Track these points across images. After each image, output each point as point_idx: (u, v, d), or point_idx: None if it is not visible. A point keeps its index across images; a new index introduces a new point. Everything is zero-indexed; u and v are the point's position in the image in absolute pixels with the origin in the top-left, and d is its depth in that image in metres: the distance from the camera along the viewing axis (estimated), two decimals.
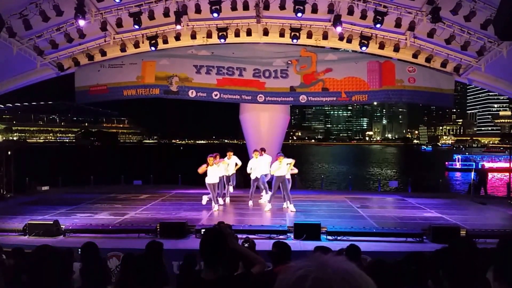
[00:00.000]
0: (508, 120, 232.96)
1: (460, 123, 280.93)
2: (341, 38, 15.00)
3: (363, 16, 13.36)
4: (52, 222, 9.87)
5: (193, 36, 15.30)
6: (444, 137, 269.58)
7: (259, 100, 16.35)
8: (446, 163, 51.16)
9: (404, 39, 14.91)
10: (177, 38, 15.40)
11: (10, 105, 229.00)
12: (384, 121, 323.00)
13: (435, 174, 46.87)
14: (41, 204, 13.65)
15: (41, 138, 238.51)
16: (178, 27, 14.33)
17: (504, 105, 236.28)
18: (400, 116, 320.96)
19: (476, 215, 12.79)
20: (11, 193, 15.59)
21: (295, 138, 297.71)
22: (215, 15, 13.44)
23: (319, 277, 0.89)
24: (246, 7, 13.54)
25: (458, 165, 48.69)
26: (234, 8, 13.58)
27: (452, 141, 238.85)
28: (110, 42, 15.39)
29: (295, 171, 13.58)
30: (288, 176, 12.89)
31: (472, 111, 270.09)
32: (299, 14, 13.24)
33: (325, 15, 13.95)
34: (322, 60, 16.30)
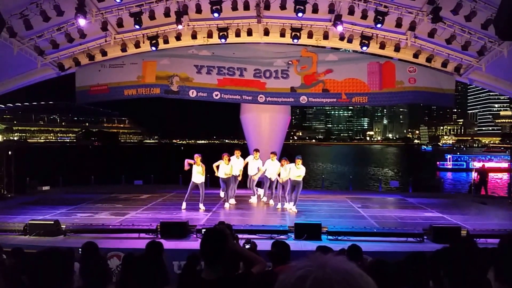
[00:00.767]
0: (509, 120, 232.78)
1: (461, 123, 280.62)
2: (341, 38, 15.00)
3: (364, 16, 13.36)
4: (52, 222, 9.87)
5: (194, 36, 15.31)
6: (445, 137, 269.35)
7: (260, 100, 16.35)
8: (438, 163, 51.03)
9: (405, 39, 14.90)
10: (178, 38, 15.41)
11: (11, 105, 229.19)
12: (385, 121, 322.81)
13: (426, 174, 46.96)
14: (41, 204, 13.65)
15: (42, 138, 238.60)
16: (180, 26, 14.33)
17: (505, 105, 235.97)
18: (401, 116, 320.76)
19: (477, 215, 12.79)
20: (11, 193, 15.60)
21: (295, 138, 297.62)
22: (216, 15, 13.44)
23: (319, 277, 0.89)
24: (246, 7, 13.54)
25: (449, 165, 48.54)
26: (234, 8, 13.59)
27: (453, 141, 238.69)
28: (110, 42, 15.39)
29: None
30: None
31: (473, 111, 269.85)
32: (300, 14, 13.23)
33: (326, 15, 13.95)
34: (323, 60, 16.29)
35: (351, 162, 72.12)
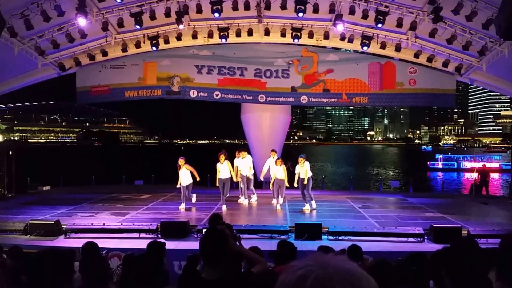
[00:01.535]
0: (510, 120, 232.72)
1: (462, 123, 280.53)
2: (342, 38, 14.99)
3: (365, 16, 13.35)
4: (53, 222, 9.89)
5: (194, 36, 15.31)
6: (446, 137, 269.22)
7: (260, 100, 16.35)
8: (428, 162, 50.89)
9: (406, 39, 14.88)
10: (178, 38, 15.41)
11: (12, 105, 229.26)
12: (386, 121, 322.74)
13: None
14: (42, 204, 13.67)
15: (43, 138, 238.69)
16: (181, 26, 14.33)
17: (506, 105, 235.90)
18: (401, 116, 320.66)
19: (478, 215, 12.77)
20: (12, 193, 15.62)
21: (296, 138, 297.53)
22: (216, 15, 13.44)
23: (320, 276, 0.88)
24: (247, 7, 13.54)
25: (440, 165, 48.35)
26: (235, 8, 13.59)
27: (454, 141, 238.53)
28: (111, 42, 15.40)
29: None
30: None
31: (474, 111, 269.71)
32: (301, 14, 13.22)
33: (327, 15, 13.94)
34: (324, 60, 16.29)
35: (351, 162, 72.09)
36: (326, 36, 15.11)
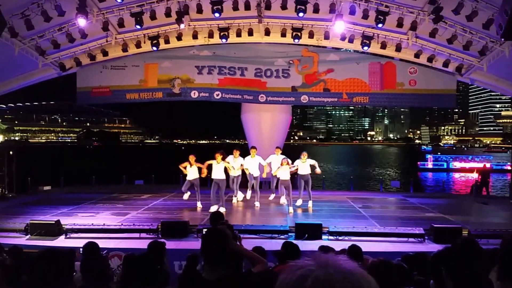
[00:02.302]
0: (510, 120, 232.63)
1: (462, 123, 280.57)
2: (342, 38, 14.98)
3: (365, 16, 13.34)
4: (53, 222, 9.89)
5: (195, 36, 15.32)
6: (446, 137, 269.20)
7: (261, 100, 16.36)
8: (418, 163, 50.80)
9: (406, 39, 14.88)
10: (179, 38, 15.42)
11: (12, 105, 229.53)
12: (386, 121, 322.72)
13: (406, 174, 46.96)
14: (42, 204, 13.67)
15: (43, 138, 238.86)
16: (182, 26, 14.33)
17: (506, 105, 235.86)
18: (402, 116, 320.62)
19: (478, 215, 12.76)
20: (13, 193, 15.62)
21: (296, 138, 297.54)
22: (217, 15, 13.43)
23: (320, 276, 0.88)
24: (247, 7, 13.54)
25: (429, 165, 48.16)
26: (235, 8, 13.59)
27: (454, 141, 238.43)
28: (111, 42, 15.41)
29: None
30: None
31: (474, 111, 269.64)
32: (301, 14, 13.22)
33: (327, 15, 13.93)
34: (324, 60, 16.30)
35: (352, 162, 72.08)
36: (327, 36, 15.11)
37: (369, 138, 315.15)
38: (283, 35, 15.06)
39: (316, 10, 13.30)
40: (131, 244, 8.88)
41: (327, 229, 9.77)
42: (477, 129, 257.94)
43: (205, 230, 5.96)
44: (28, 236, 9.66)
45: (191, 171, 12.80)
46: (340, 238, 9.48)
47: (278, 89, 16.32)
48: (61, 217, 10.92)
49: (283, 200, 13.62)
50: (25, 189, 16.62)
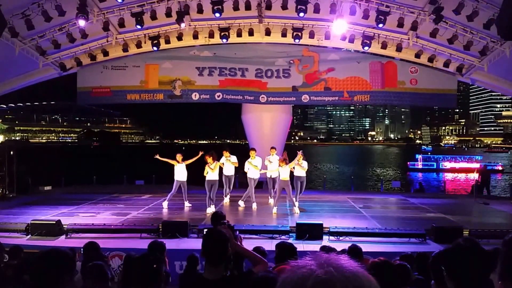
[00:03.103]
0: (511, 120, 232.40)
1: (463, 123, 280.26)
2: (343, 38, 14.98)
3: (366, 16, 13.34)
4: (54, 222, 9.89)
5: (195, 36, 15.32)
6: (447, 137, 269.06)
7: (262, 100, 16.36)
8: (408, 163, 50.79)
9: (407, 39, 14.87)
10: (179, 38, 15.42)
11: (13, 105, 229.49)
12: (387, 121, 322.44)
13: (396, 174, 47.02)
14: (43, 204, 13.68)
15: (44, 138, 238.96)
16: (182, 25, 14.32)
17: (507, 105, 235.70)
18: (402, 116, 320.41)
19: (479, 215, 12.75)
20: (13, 193, 15.62)
21: (297, 138, 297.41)
22: (217, 15, 13.43)
23: (321, 276, 0.88)
24: (248, 7, 13.55)
25: (419, 165, 48.11)
26: (236, 8, 13.59)
27: (455, 141, 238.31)
28: (112, 42, 15.41)
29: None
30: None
31: (475, 111, 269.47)
32: (301, 14, 13.21)
33: (327, 15, 13.92)
34: (324, 59, 16.30)
35: (352, 163, 72.05)
36: (327, 36, 15.11)
37: (369, 138, 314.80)
38: (284, 35, 15.06)
39: (316, 10, 13.30)
40: (132, 244, 8.88)
41: (328, 229, 9.76)
42: (477, 129, 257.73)
43: (206, 230, 5.96)
44: (28, 236, 9.66)
45: (179, 171, 12.85)
46: (341, 238, 9.47)
47: (279, 89, 16.32)
48: (62, 217, 10.92)
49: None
50: (26, 189, 16.62)
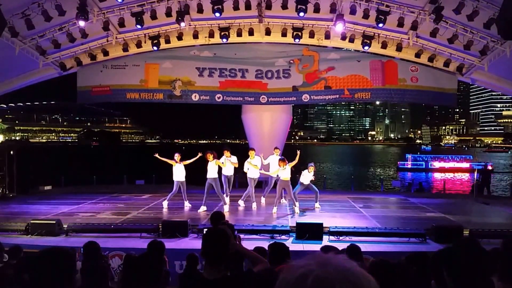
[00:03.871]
0: (511, 120, 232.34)
1: (463, 123, 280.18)
2: (343, 37, 14.97)
3: (366, 16, 13.33)
4: (54, 222, 9.89)
5: (195, 36, 15.31)
6: (447, 137, 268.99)
7: (262, 101, 16.36)
8: (398, 162, 50.92)
9: (407, 39, 14.86)
10: (179, 38, 15.41)
11: (13, 104, 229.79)
12: (387, 121, 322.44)
13: (385, 173, 47.05)
14: (43, 204, 13.68)
15: (44, 138, 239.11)
16: (182, 24, 14.31)
17: (507, 104, 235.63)
18: (402, 116, 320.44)
19: (480, 215, 12.75)
20: (13, 193, 15.63)
21: (297, 138, 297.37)
22: (217, 14, 13.43)
23: (320, 275, 0.88)
24: (248, 6, 13.55)
25: (409, 164, 48.26)
26: (236, 7, 13.59)
27: (455, 141, 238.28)
28: (112, 42, 15.41)
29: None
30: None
31: (475, 110, 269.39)
32: (301, 14, 13.21)
33: (328, 14, 13.92)
34: (325, 59, 16.29)
35: (352, 162, 72.06)
36: (327, 36, 15.10)
37: (369, 138, 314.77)
38: (284, 34, 15.05)
39: (316, 9, 13.30)
40: (132, 244, 8.88)
41: (328, 229, 9.76)
42: (478, 129, 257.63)
43: (206, 230, 5.96)
44: (29, 236, 9.66)
45: (177, 171, 12.88)
46: (341, 238, 9.47)
47: (279, 90, 16.31)
48: (62, 216, 10.94)
49: (283, 200, 13.66)
50: (26, 189, 16.63)
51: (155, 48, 15.42)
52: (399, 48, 14.99)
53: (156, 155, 13.19)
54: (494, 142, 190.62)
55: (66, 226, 9.99)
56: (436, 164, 46.23)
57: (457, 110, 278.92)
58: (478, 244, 2.12)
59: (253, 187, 13.25)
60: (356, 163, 68.15)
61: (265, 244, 5.51)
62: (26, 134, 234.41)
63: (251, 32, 15.18)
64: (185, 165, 13.07)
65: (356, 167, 58.84)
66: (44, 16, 12.45)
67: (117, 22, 14.25)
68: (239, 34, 15.09)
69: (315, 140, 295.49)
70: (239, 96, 16.50)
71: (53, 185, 18.38)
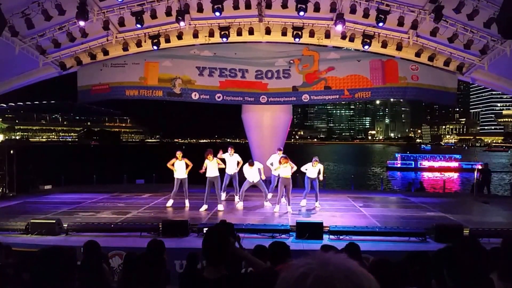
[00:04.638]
0: (511, 119, 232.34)
1: (463, 122, 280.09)
2: (343, 36, 14.97)
3: (366, 15, 13.33)
4: (54, 221, 9.89)
5: (195, 35, 15.31)
6: (447, 136, 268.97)
7: (262, 101, 16.36)
8: (388, 162, 51.07)
9: (407, 38, 14.86)
10: (179, 37, 15.40)
11: (13, 104, 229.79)
12: (387, 120, 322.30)
13: (375, 173, 47.11)
14: (43, 203, 13.69)
15: (44, 137, 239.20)
16: (182, 24, 14.30)
17: (508, 104, 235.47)
18: (403, 115, 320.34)
19: (480, 214, 12.74)
20: (13, 192, 15.63)
21: (297, 137, 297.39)
22: (217, 14, 13.42)
23: (321, 274, 0.87)
24: (248, 6, 13.54)
25: (398, 164, 48.36)
26: (236, 7, 13.58)
27: (455, 140, 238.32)
28: (112, 41, 15.41)
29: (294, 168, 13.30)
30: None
31: (475, 110, 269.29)
32: (301, 13, 13.20)
33: (328, 13, 13.92)
34: (324, 59, 16.28)
35: (352, 161, 72.06)
36: (327, 35, 15.09)
37: (370, 137, 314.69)
38: (284, 34, 15.04)
39: (316, 9, 13.29)
40: (132, 243, 8.88)
41: (328, 228, 9.75)
42: (478, 128, 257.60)
43: (206, 229, 5.95)
44: (29, 235, 9.66)
45: (179, 168, 12.85)
46: (341, 237, 9.47)
47: (279, 90, 16.31)
48: (62, 216, 10.93)
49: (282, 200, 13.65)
50: (26, 188, 16.62)
51: (155, 47, 15.42)
52: (399, 48, 14.99)
53: (170, 167, 13.05)
54: (494, 141, 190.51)
55: (66, 225, 9.98)
56: (425, 163, 46.37)
57: (457, 109, 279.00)
58: (478, 243, 2.12)
59: (246, 187, 13.24)
60: (356, 163, 68.13)
61: (264, 243, 5.52)
62: (26, 133, 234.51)
63: (251, 32, 15.17)
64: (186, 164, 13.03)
65: (356, 166, 58.84)
66: (44, 15, 12.44)
67: (117, 22, 14.24)
68: (239, 33, 15.09)
69: (315, 140, 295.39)
70: (239, 96, 16.51)
71: (53, 184, 18.38)
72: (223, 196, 13.74)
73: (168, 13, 13.70)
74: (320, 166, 13.17)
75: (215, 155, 12.82)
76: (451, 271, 2.04)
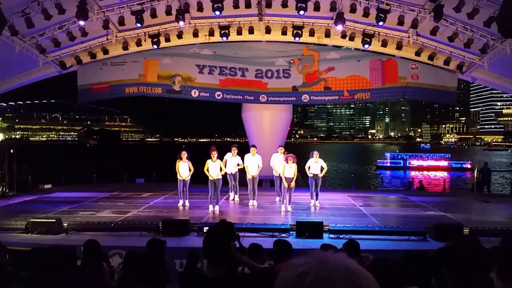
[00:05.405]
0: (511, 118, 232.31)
1: (463, 121, 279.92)
2: (343, 36, 14.96)
3: (366, 14, 13.33)
4: (54, 220, 9.89)
5: (195, 34, 15.31)
6: (447, 135, 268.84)
7: (262, 100, 16.35)
8: (378, 160, 51.26)
9: (407, 37, 14.86)
10: (179, 36, 15.40)
11: (13, 103, 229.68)
12: (387, 119, 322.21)
13: (365, 171, 47.20)
14: (43, 202, 13.69)
15: (44, 136, 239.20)
16: (182, 23, 14.30)
17: (508, 103, 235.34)
18: (403, 114, 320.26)
19: (480, 213, 12.74)
20: (13, 191, 15.62)
21: (297, 136, 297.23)
22: (217, 13, 13.42)
23: (320, 273, 0.87)
24: (248, 5, 13.53)
25: (388, 162, 48.47)
26: (236, 6, 13.58)
27: (455, 139, 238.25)
28: (112, 40, 15.41)
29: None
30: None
31: (475, 109, 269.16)
32: (302, 12, 13.20)
33: (328, 13, 13.91)
34: (324, 58, 16.26)
35: (352, 161, 72.05)
36: (327, 34, 15.09)
37: (370, 137, 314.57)
38: (284, 33, 15.04)
39: (316, 8, 13.29)
40: (132, 242, 8.88)
41: (328, 227, 9.76)
42: (478, 127, 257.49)
43: (207, 228, 5.95)
44: (29, 235, 9.66)
45: (183, 168, 12.74)
46: (341, 236, 9.47)
47: (279, 90, 16.29)
48: (62, 215, 10.94)
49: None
50: (26, 187, 16.62)
51: (155, 46, 15.41)
52: (399, 47, 14.98)
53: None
54: (494, 140, 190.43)
55: (66, 224, 9.98)
56: (414, 163, 46.51)
57: (457, 108, 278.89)
58: (478, 242, 2.12)
59: (252, 184, 13.14)
60: (356, 162, 68.13)
61: (265, 242, 5.52)
62: (26, 132, 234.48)
63: (251, 31, 15.16)
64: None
65: (356, 165, 58.82)
66: (44, 14, 12.44)
67: (117, 21, 14.24)
68: (239, 32, 15.08)
69: (315, 139, 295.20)
70: (239, 94, 16.51)
71: (53, 183, 18.38)
72: (232, 196, 13.90)
73: (168, 12, 13.69)
74: (323, 163, 13.05)
75: (220, 158, 12.74)
76: (451, 270, 2.04)
